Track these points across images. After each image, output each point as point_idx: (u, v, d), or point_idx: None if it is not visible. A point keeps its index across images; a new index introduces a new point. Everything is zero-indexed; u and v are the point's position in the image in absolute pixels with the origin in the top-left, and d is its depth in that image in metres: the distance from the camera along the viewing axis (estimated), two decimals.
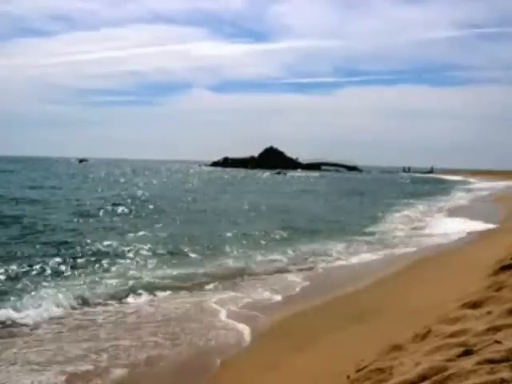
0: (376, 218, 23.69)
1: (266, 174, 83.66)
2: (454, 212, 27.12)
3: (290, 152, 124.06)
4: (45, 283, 10.28)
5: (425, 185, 64.46)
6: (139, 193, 35.01)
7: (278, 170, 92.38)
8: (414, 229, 20.17)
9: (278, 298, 9.76)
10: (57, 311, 8.51)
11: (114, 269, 11.94)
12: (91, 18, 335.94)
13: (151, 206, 26.41)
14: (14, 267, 11.37)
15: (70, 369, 6.16)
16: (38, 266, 11.60)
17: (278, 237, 17.50)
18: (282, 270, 12.21)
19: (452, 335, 4.97)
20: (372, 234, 18.63)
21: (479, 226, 19.90)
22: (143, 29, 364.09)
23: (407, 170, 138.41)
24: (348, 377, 4.97)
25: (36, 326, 7.77)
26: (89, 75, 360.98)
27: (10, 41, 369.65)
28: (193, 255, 13.83)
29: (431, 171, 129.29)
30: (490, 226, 19.77)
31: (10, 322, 7.87)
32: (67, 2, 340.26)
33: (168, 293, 9.91)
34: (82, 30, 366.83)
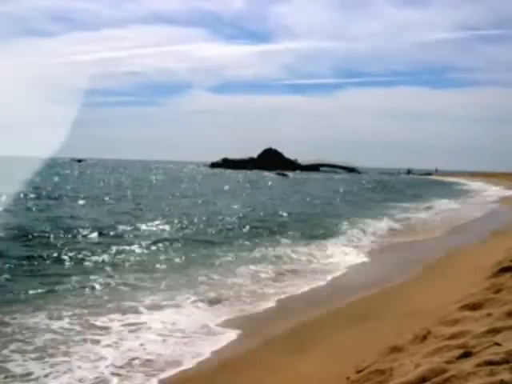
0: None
1: (271, 175, 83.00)
2: None
3: (289, 153, 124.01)
4: None
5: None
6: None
7: (278, 171, 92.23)
8: None
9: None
10: None
11: None
12: (92, 18, 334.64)
13: None
14: None
15: None
16: None
17: None
18: None
19: (451, 337, 5.00)
20: None
21: None
22: (144, 29, 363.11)
23: (403, 172, 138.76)
24: (348, 378, 4.99)
25: None
26: (89, 75, 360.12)
27: (11, 41, 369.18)
28: None
29: (430, 173, 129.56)
30: None
31: None
32: (68, 3, 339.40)
33: None
34: (82, 31, 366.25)
